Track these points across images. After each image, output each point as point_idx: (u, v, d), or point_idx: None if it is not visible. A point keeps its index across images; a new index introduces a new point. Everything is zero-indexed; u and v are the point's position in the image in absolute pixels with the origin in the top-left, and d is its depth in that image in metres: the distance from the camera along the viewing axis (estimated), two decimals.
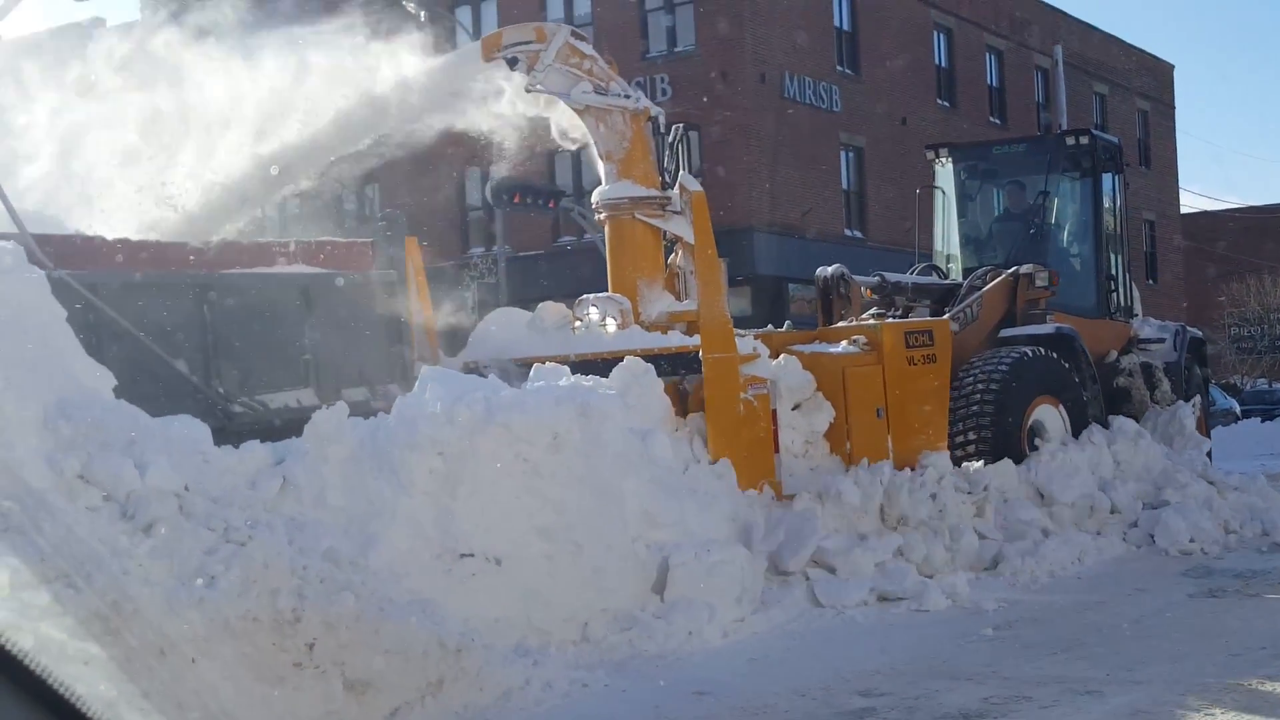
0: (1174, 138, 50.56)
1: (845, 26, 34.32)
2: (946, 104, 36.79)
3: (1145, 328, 15.51)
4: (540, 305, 12.03)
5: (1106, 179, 15.14)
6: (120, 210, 11.06)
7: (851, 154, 33.77)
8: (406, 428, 7.68)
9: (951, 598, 9.42)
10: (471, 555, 7.50)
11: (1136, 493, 12.26)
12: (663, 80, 31.74)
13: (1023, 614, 9.22)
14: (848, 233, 32.71)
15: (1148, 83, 48.39)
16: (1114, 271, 15.14)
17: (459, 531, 7.50)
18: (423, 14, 12.10)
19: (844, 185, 33.88)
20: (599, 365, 9.91)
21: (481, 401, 7.89)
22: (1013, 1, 41.13)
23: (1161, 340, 15.34)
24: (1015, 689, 6.87)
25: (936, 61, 37.68)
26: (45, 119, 11.09)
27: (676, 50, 32.04)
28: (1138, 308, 15.93)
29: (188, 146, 11.46)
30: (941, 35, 37.84)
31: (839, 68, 33.86)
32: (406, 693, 6.24)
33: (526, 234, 31.13)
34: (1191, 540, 11.97)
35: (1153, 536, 11.79)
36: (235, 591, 5.83)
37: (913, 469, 10.76)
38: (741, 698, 6.93)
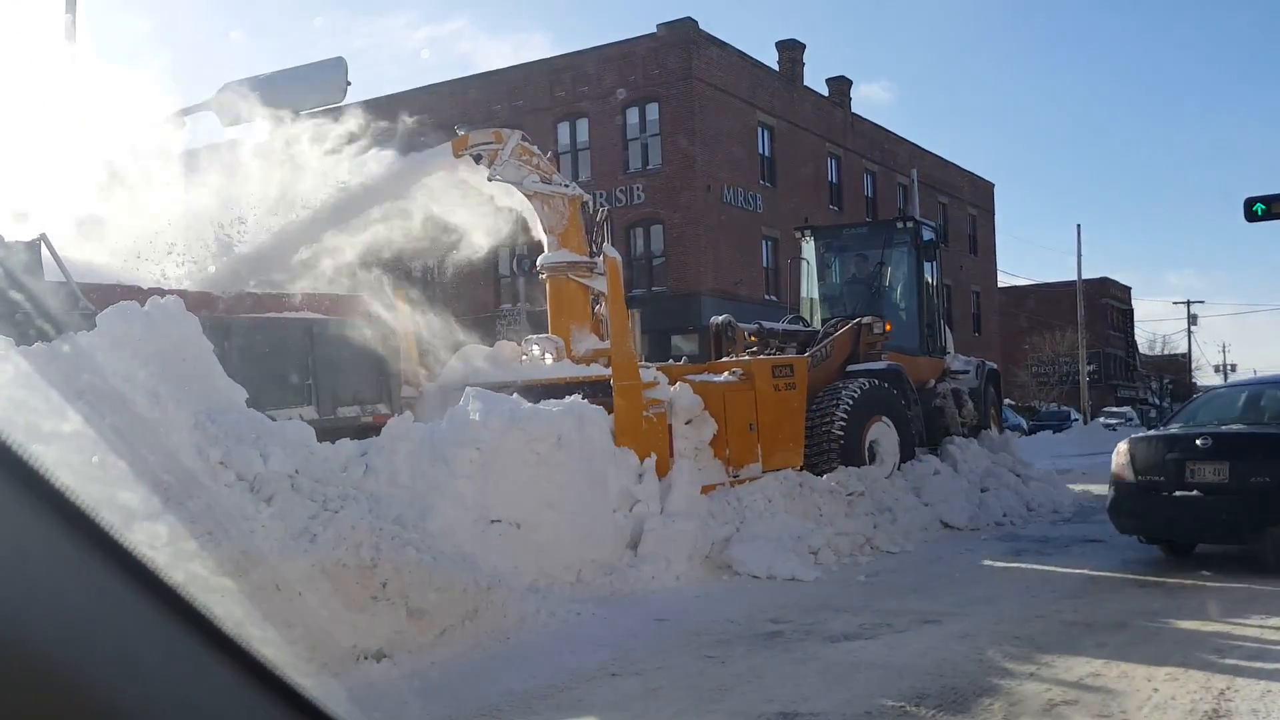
0: (994, 233, 50.91)
1: (766, 153, 34.49)
2: (836, 208, 36.95)
3: (955, 362, 15.07)
4: (497, 343, 11.38)
5: (927, 253, 14.60)
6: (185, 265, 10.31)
7: (769, 242, 33.88)
8: (454, 429, 7.65)
9: (836, 552, 9.36)
10: (499, 521, 7.45)
11: (966, 486, 12.18)
12: (638, 188, 31.81)
13: (886, 566, 9.22)
14: (767, 296, 32.74)
15: (975, 195, 48.77)
16: (931, 320, 14.63)
17: (490, 504, 7.46)
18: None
19: (764, 264, 33.97)
20: (538, 389, 9.42)
21: (508, 412, 7.86)
22: (882, 137, 41.44)
23: (967, 371, 14.91)
24: (881, 618, 6.87)
25: (830, 179, 37.89)
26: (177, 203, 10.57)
27: (648, 167, 32.12)
28: (950, 347, 15.46)
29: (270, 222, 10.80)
30: (833, 160, 38.07)
31: (762, 181, 34.02)
32: (451, 618, 6.20)
33: (541, 294, 31.12)
34: (1004, 515, 12.01)
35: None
36: (330, 545, 5.78)
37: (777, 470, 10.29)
38: (689, 623, 6.90)
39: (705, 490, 9.44)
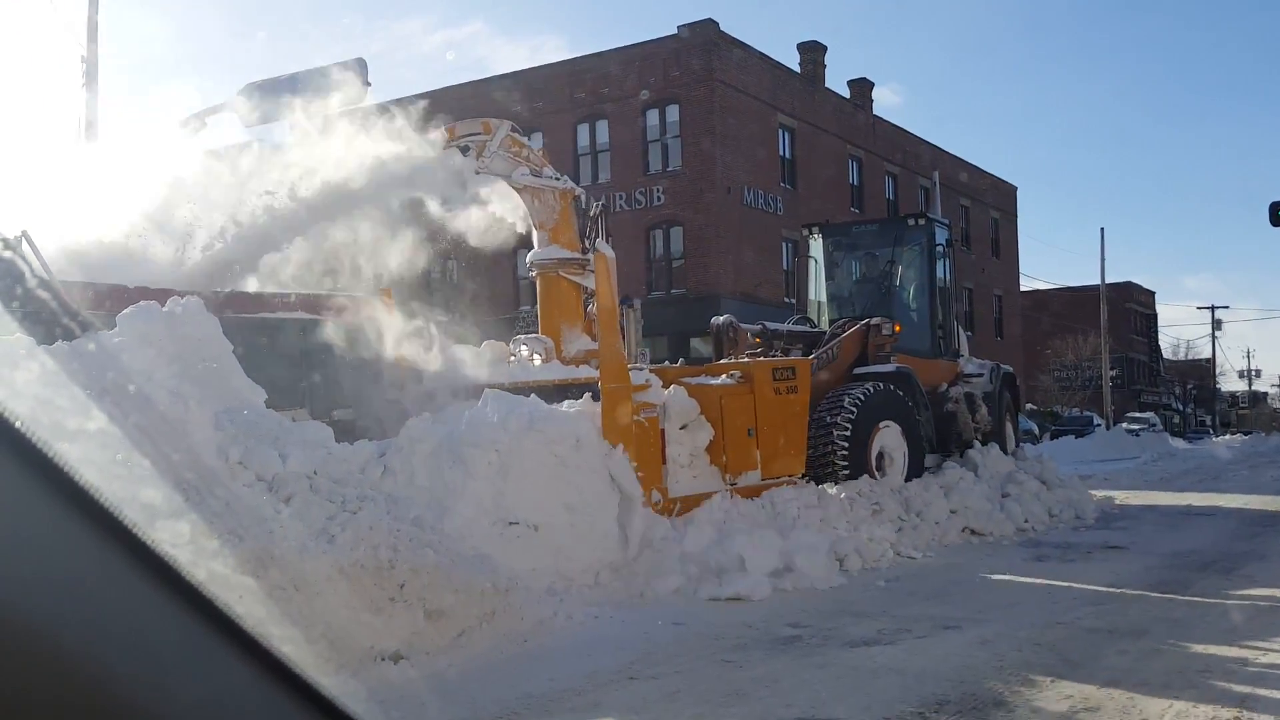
0: (1016, 237, 50.65)
1: (787, 155, 34.45)
2: (857, 210, 36.84)
3: (969, 365, 14.54)
4: (484, 343, 11.02)
5: (940, 251, 14.19)
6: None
7: (790, 244, 33.74)
8: (472, 431, 7.67)
9: (861, 558, 9.29)
10: (517, 523, 7.47)
11: (988, 491, 12.09)
12: (659, 189, 31.84)
13: (906, 572, 9.17)
14: (787, 299, 32.57)
15: (998, 198, 48.52)
16: (944, 321, 14.18)
17: (508, 506, 7.48)
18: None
19: (784, 266, 33.86)
20: (524, 392, 8.94)
21: (526, 414, 7.87)
22: (904, 139, 41.33)
23: (981, 375, 14.38)
24: (900, 624, 6.84)
25: (851, 181, 37.81)
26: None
27: (669, 169, 32.14)
28: (964, 349, 14.93)
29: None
30: (854, 162, 37.99)
31: (782, 184, 33.98)
32: (469, 620, 6.21)
33: None
34: (1026, 521, 11.92)
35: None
36: (349, 546, 5.80)
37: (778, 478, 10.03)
38: (705, 627, 6.89)
39: (701, 499, 9.12)
